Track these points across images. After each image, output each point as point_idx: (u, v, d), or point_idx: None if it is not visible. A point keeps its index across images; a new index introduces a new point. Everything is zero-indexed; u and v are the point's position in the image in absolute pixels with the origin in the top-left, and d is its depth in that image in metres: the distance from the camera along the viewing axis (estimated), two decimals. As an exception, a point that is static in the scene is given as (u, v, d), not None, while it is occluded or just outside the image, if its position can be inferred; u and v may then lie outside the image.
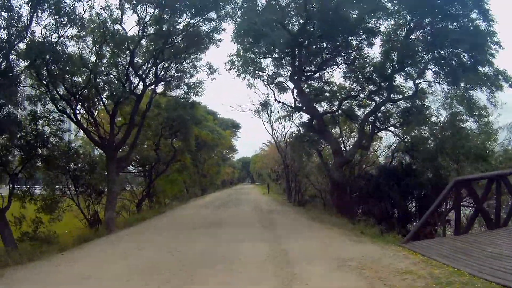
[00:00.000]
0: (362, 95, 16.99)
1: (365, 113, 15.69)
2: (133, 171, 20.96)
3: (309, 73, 16.36)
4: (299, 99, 16.55)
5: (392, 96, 14.99)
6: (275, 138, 23.47)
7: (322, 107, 18.18)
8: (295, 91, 17.50)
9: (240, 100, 74.11)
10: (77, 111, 12.88)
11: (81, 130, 14.12)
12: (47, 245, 9.46)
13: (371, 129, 15.83)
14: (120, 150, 15.53)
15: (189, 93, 18.78)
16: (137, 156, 19.60)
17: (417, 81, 14.64)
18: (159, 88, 17.95)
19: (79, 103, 12.84)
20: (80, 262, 6.48)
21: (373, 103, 15.94)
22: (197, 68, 17.35)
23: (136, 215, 16.78)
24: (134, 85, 14.30)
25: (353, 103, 18.00)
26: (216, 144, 31.14)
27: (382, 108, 16.32)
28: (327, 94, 17.89)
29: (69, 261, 6.57)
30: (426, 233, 8.91)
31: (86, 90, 12.41)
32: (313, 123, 15.92)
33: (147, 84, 14.58)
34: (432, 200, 15.01)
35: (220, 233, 9.26)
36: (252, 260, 6.14)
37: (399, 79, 15.57)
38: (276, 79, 19.08)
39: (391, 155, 18.91)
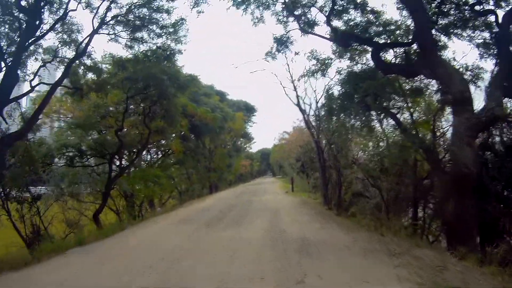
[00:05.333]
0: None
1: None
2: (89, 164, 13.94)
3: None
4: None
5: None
6: (302, 108, 15.82)
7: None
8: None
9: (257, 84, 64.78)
10: None
11: None
12: None
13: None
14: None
15: (163, 36, 12.50)
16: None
17: None
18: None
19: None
20: None
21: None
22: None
23: (73, 238, 10.12)
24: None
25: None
26: (222, 127, 23.62)
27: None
28: (380, 29, 10.94)
29: None
30: None
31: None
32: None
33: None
34: None
35: None
36: None
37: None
38: (298, 8, 11.64)
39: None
